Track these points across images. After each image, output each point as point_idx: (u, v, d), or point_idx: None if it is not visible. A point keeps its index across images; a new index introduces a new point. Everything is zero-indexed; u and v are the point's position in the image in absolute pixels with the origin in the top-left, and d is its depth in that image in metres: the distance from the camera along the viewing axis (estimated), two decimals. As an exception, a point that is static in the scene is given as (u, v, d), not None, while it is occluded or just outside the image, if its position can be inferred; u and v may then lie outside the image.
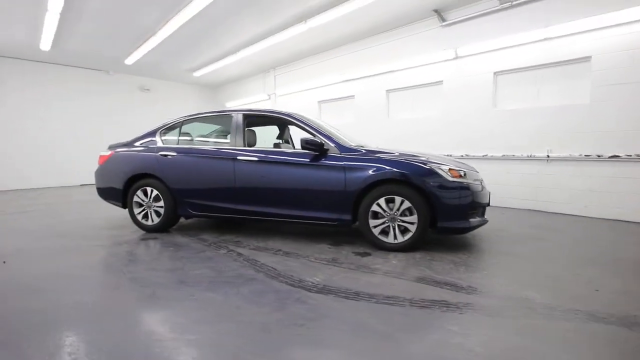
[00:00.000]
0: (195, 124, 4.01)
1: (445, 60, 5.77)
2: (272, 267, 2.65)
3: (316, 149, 3.16)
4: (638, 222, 4.13)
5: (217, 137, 4.06)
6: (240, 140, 3.54)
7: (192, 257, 2.91)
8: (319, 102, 8.36)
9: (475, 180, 3.12)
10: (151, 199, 3.76)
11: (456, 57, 5.63)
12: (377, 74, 6.85)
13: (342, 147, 3.22)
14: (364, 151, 3.19)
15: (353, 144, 3.37)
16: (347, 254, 3.00)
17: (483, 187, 3.19)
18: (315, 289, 2.23)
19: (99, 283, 2.40)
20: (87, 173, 9.33)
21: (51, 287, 2.28)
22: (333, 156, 3.18)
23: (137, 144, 3.96)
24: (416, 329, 1.74)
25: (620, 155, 4.23)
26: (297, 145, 4.82)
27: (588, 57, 4.40)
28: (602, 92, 4.33)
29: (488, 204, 3.24)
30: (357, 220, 3.12)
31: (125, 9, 5.56)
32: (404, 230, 3.00)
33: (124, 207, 3.95)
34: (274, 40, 6.84)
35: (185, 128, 3.94)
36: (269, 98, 9.86)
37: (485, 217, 3.23)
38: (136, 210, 3.84)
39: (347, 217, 3.12)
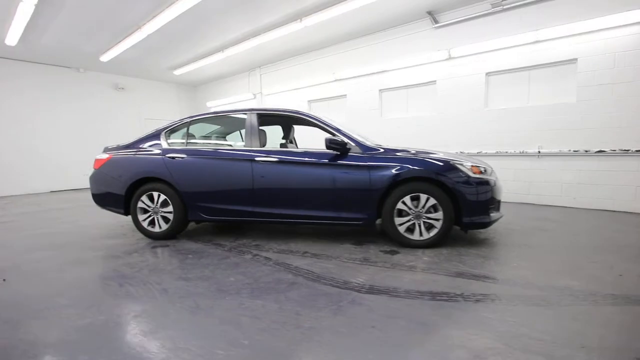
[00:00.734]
0: (204, 125, 3.83)
1: (439, 61, 5.95)
2: (308, 270, 2.59)
3: (340, 149, 3.14)
4: (624, 212, 4.49)
5: (227, 137, 3.91)
6: (256, 141, 3.43)
7: (218, 264, 2.78)
8: (309, 101, 8.31)
9: (492, 175, 3.24)
10: (158, 204, 3.54)
11: (449, 58, 5.82)
12: (370, 73, 6.92)
13: (363, 146, 3.22)
14: (383, 150, 3.21)
15: (371, 143, 3.38)
16: (375, 252, 3.00)
17: (497, 182, 3.33)
18: (363, 289, 2.21)
19: (129, 296, 2.22)
20: (55, 180, 8.70)
21: (73, 304, 2.08)
22: (356, 155, 3.17)
23: (139, 146, 3.71)
24: (480, 323, 1.77)
25: (605, 150, 4.58)
26: (300, 145, 4.79)
27: (574, 59, 4.73)
28: (588, 92, 4.67)
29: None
30: (379, 219, 3.14)
31: (109, 1, 5.19)
32: (429, 227, 3.06)
33: (126, 214, 3.69)
34: (266, 38, 6.70)
35: (192, 129, 3.75)
36: (255, 97, 9.66)
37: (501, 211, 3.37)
38: (141, 217, 3.60)
39: (372, 216, 3.13)
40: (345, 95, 7.50)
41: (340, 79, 7.46)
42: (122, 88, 10.02)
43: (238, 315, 1.87)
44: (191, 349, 1.57)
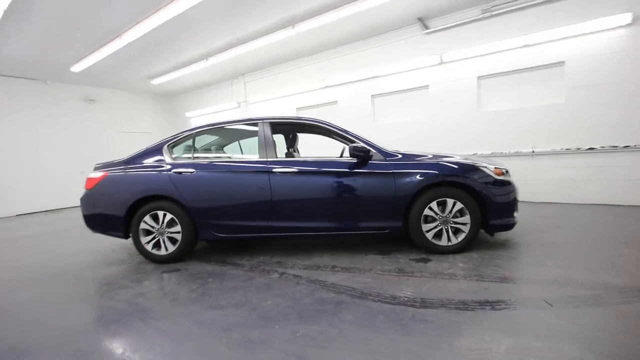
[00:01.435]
0: (208, 136, 3.58)
1: (431, 66, 6.05)
2: (347, 286, 2.44)
3: (364, 156, 3.03)
4: (617, 205, 4.73)
5: (237, 148, 3.68)
6: (271, 152, 3.24)
7: (247, 287, 2.55)
8: (297, 108, 8.17)
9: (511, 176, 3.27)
10: (164, 225, 3.24)
11: (441, 63, 5.94)
12: (361, 79, 6.92)
13: (384, 153, 3.13)
14: (400, 155, 3.15)
15: (389, 149, 3.30)
16: (406, 262, 2.90)
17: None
18: (417, 304, 2.09)
19: (160, 333, 1.94)
20: (21, 202, 7.88)
21: (95, 350, 1.79)
22: (378, 163, 3.07)
23: (139, 161, 3.40)
24: (554, 330, 1.71)
25: (595, 147, 4.82)
26: (303, 153, 4.63)
27: (562, 62, 4.96)
28: (575, 93, 4.91)
29: None
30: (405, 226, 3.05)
31: (89, 8, 4.80)
32: (455, 232, 3.01)
33: (126, 237, 3.35)
34: (253, 45, 6.51)
35: (198, 141, 3.49)
36: (239, 106, 9.37)
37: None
38: (144, 239, 3.27)
39: (398, 223, 3.04)
40: (336, 101, 7.45)
41: (330, 85, 7.40)
42: (93, 100, 9.35)
43: (301, 347, 1.69)
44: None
